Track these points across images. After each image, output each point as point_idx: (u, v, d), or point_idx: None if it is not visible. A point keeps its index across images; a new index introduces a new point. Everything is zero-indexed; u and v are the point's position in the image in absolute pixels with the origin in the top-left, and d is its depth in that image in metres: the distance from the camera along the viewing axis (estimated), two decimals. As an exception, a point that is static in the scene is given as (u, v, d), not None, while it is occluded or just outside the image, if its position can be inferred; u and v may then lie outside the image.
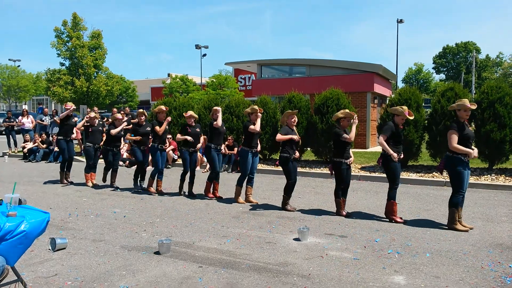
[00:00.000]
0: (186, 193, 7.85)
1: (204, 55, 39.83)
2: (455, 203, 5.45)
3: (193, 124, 7.80)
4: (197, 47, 38.51)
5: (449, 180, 5.66)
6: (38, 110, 17.08)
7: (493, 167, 9.68)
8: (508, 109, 9.00)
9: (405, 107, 5.95)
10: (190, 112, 7.76)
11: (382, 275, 3.93)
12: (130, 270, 4.08)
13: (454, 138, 5.36)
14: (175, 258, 4.40)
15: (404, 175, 9.38)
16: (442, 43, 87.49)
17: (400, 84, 54.98)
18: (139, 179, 8.53)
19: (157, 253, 4.56)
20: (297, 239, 5.03)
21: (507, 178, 8.84)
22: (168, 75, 42.55)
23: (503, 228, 5.54)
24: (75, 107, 9.48)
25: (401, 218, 5.86)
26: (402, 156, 5.98)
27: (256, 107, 7.08)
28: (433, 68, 62.73)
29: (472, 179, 8.82)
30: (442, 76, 62.68)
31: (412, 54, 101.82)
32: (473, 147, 5.49)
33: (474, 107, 5.53)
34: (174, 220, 6.04)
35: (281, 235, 5.26)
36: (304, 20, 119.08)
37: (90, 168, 8.95)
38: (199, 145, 7.85)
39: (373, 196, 7.67)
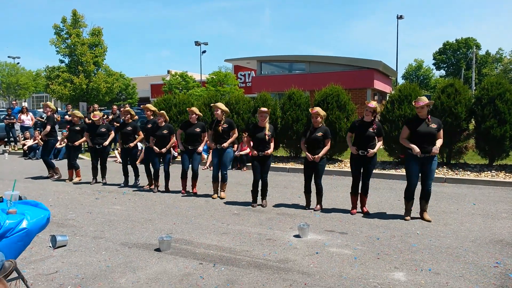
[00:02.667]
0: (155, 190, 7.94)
1: (204, 51, 39.75)
2: (405, 195, 5.79)
3: (162, 124, 7.67)
4: (197, 43, 38.42)
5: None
6: (14, 110, 16.92)
7: (493, 164, 9.68)
8: (509, 105, 8.99)
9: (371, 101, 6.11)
10: (161, 112, 7.77)
11: (382, 271, 3.94)
12: (131, 267, 4.08)
13: (402, 133, 5.74)
14: (175, 255, 4.41)
15: (403, 171, 9.39)
16: (442, 39, 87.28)
17: (400, 81, 54.97)
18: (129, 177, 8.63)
19: (157, 250, 4.56)
20: (297, 236, 5.03)
21: (507, 174, 8.85)
22: (168, 72, 42.49)
23: (504, 224, 5.54)
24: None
25: (354, 210, 6.16)
26: (367, 152, 5.90)
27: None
28: (433, 64, 62.71)
29: (472, 176, 8.83)
30: (442, 72, 62.64)
31: (412, 50, 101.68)
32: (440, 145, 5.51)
33: (431, 103, 5.56)
34: (174, 217, 6.05)
35: (281, 232, 5.26)
36: (303, 16, 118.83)
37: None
38: (167, 146, 7.73)
39: (373, 193, 7.67)
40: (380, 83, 17.09)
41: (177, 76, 35.07)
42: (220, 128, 7.04)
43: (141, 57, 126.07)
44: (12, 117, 15.68)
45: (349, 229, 5.34)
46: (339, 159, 11.31)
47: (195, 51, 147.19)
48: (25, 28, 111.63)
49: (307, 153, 6.29)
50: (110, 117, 14.09)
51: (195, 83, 35.17)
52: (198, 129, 7.44)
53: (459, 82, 9.95)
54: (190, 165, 7.56)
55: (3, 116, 16.57)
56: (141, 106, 7.92)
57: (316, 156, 6.19)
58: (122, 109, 14.51)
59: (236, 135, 7.26)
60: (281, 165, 10.86)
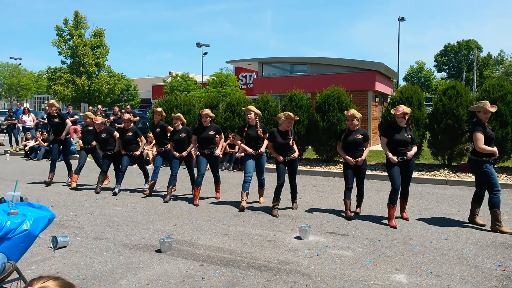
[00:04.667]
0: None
1: (205, 53, 39.81)
2: (494, 203, 5.37)
3: (180, 127, 7.41)
4: (198, 45, 38.45)
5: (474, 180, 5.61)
6: (17, 111, 16.78)
7: (495, 166, 9.65)
8: (510, 107, 8.97)
9: (401, 106, 5.90)
10: (178, 115, 7.47)
11: (383, 273, 3.93)
12: (132, 268, 4.08)
13: (481, 139, 5.29)
14: (176, 257, 4.41)
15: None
16: (444, 41, 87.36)
17: (402, 83, 54.95)
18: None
19: (158, 251, 4.56)
20: (298, 238, 5.03)
21: (508, 176, 8.83)
22: (169, 73, 42.52)
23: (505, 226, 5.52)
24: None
25: (394, 223, 5.61)
26: (406, 157, 5.63)
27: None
28: (434, 66, 62.63)
29: (473, 178, 8.79)
30: (444, 74, 62.58)
31: (413, 52, 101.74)
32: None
33: (494, 109, 5.43)
34: (175, 218, 6.05)
35: (282, 233, 5.26)
36: (305, 18, 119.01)
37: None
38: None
39: (374, 195, 7.66)
40: (381, 85, 17.07)
41: (179, 77, 35.09)
42: (258, 131, 6.72)
43: (142, 58, 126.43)
44: (14, 118, 15.71)
45: (350, 231, 5.34)
46: (340, 161, 11.30)
47: (196, 52, 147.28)
48: (27, 29, 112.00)
49: (347, 157, 6.03)
50: (111, 118, 14.10)
51: (196, 84, 35.19)
52: (212, 132, 7.07)
53: (460, 84, 9.94)
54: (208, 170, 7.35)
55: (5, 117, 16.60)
56: (154, 109, 7.82)
57: (359, 159, 6.01)
58: (123, 110, 14.55)
59: None
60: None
